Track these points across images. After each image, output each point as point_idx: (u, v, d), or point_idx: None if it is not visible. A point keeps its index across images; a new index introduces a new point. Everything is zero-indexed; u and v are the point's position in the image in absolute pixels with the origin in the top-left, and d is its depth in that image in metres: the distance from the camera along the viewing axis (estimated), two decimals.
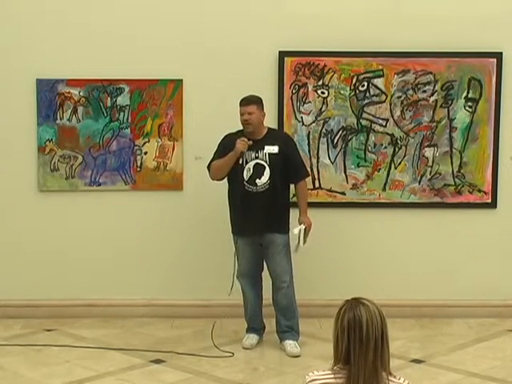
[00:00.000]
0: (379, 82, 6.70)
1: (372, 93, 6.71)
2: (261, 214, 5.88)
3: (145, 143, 6.72)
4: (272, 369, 5.78)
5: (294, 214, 6.03)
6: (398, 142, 6.76)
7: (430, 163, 6.78)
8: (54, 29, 6.61)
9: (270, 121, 6.27)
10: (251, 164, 5.92)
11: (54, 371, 5.58)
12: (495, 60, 6.68)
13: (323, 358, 5.56)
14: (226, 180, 6.05)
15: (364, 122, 6.74)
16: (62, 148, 6.70)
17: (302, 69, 6.66)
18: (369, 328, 2.83)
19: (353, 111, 6.72)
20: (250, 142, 5.88)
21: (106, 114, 6.69)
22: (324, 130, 6.73)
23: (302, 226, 5.94)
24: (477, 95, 6.73)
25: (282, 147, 5.95)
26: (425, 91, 6.72)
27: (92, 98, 6.67)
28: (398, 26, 6.64)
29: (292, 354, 5.92)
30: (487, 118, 6.75)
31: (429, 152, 6.77)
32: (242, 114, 5.91)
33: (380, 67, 6.68)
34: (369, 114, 6.73)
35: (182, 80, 6.65)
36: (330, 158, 6.75)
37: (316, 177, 6.74)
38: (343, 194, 6.78)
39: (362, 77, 6.69)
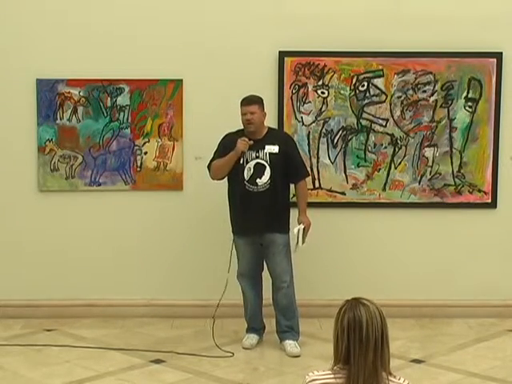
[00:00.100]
0: (379, 82, 6.70)
1: (372, 93, 6.71)
2: (261, 213, 5.88)
3: (145, 143, 6.72)
4: (272, 369, 5.78)
5: (293, 214, 6.02)
6: (398, 141, 6.76)
7: (430, 163, 6.78)
8: (54, 29, 6.62)
9: (270, 121, 6.27)
10: (252, 163, 5.92)
11: (54, 371, 5.59)
12: (495, 60, 6.68)
13: (323, 357, 5.56)
14: (225, 180, 6.05)
15: (364, 122, 6.74)
16: (62, 148, 6.70)
17: (301, 69, 6.66)
18: (369, 328, 2.83)
19: (353, 111, 6.72)
20: (251, 142, 5.89)
21: (105, 114, 6.69)
22: (324, 130, 6.73)
23: (301, 226, 5.95)
24: (477, 95, 6.73)
25: (283, 147, 5.95)
26: (425, 91, 6.72)
27: (92, 98, 6.67)
28: (398, 26, 6.65)
29: (292, 354, 5.92)
30: (487, 118, 6.75)
31: (429, 152, 6.77)
32: (244, 114, 5.91)
33: (380, 67, 6.68)
34: (369, 114, 6.73)
35: (181, 80, 6.65)
36: (330, 158, 6.75)
37: (316, 177, 6.74)
38: (343, 193, 6.78)
39: (361, 77, 6.69)
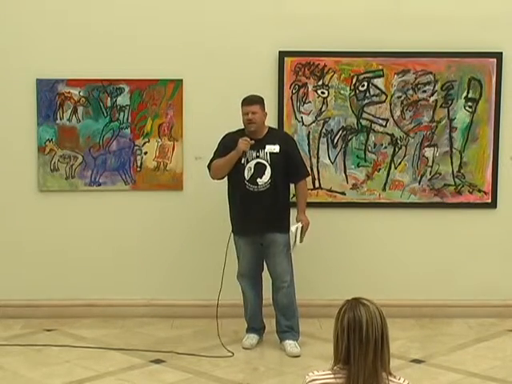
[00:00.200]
0: (379, 82, 6.70)
1: (372, 93, 6.71)
2: (262, 213, 5.88)
3: (145, 143, 6.72)
4: (272, 369, 5.78)
5: (293, 214, 6.02)
6: (398, 141, 6.76)
7: (430, 163, 6.78)
8: (54, 29, 6.61)
9: (270, 121, 6.26)
10: (252, 163, 5.92)
11: (54, 371, 5.59)
12: (495, 60, 6.68)
13: (323, 358, 5.56)
14: (226, 179, 6.05)
15: (364, 122, 6.74)
16: (62, 148, 6.70)
17: (302, 69, 6.66)
18: (369, 328, 2.83)
19: (353, 111, 6.72)
20: (252, 142, 5.89)
21: (106, 114, 6.69)
22: (324, 130, 6.73)
23: (300, 224, 5.95)
24: (477, 95, 6.73)
25: (283, 146, 5.95)
26: (425, 91, 6.72)
27: (92, 98, 6.67)
28: (398, 26, 6.64)
29: (292, 354, 5.92)
30: (487, 118, 6.75)
31: (429, 152, 6.77)
32: (245, 114, 5.91)
33: (380, 67, 6.68)
34: (369, 114, 6.73)
35: (181, 80, 6.65)
36: (330, 158, 6.75)
37: (316, 177, 6.74)
38: (343, 194, 6.78)
39: (361, 77, 6.69)
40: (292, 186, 6.08)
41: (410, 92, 6.72)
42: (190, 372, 5.59)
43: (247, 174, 5.90)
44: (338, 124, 6.73)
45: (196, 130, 6.66)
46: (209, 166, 6.06)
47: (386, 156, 6.77)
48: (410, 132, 6.75)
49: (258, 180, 5.90)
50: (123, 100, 6.67)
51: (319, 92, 6.70)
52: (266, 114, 6.01)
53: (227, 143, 5.97)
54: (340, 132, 6.73)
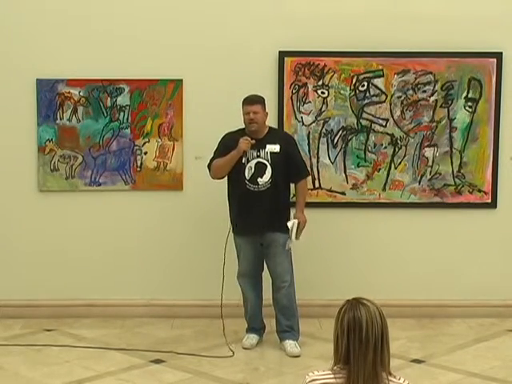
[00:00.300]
0: (379, 82, 6.70)
1: (372, 93, 6.71)
2: (263, 212, 5.88)
3: (145, 143, 6.72)
4: (272, 369, 5.78)
5: (293, 213, 6.02)
6: (398, 141, 6.76)
7: (430, 163, 6.78)
8: (54, 29, 6.61)
9: (270, 121, 6.25)
10: (253, 163, 5.93)
11: (54, 371, 5.59)
12: (495, 60, 6.68)
13: (323, 358, 5.56)
14: (225, 179, 6.04)
15: (364, 122, 6.74)
16: (62, 148, 6.70)
17: (302, 69, 6.66)
18: (368, 328, 2.83)
19: (353, 111, 6.72)
20: (253, 141, 5.89)
21: (106, 114, 6.69)
22: (324, 130, 6.73)
23: (296, 221, 5.92)
24: (477, 95, 6.73)
25: (284, 146, 5.95)
26: (425, 91, 6.72)
27: (92, 98, 6.67)
28: (398, 26, 6.64)
29: (292, 354, 5.92)
30: (487, 118, 6.75)
31: (429, 152, 6.77)
32: (247, 113, 5.90)
33: (380, 67, 6.68)
34: (369, 114, 6.73)
35: (181, 80, 6.65)
36: (330, 158, 6.75)
37: (316, 177, 6.74)
38: (343, 194, 6.77)
39: (362, 77, 6.69)
40: (292, 185, 6.08)
41: (410, 92, 6.72)
42: (190, 372, 5.59)
43: (248, 174, 5.90)
44: (338, 124, 6.73)
45: (196, 130, 6.66)
46: (209, 166, 6.06)
47: (386, 156, 6.77)
48: (409, 132, 6.75)
49: (259, 179, 5.90)
50: (123, 100, 6.67)
51: (319, 92, 6.70)
52: (267, 113, 6.02)
53: (228, 143, 5.97)
54: (340, 132, 6.73)
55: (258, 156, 5.92)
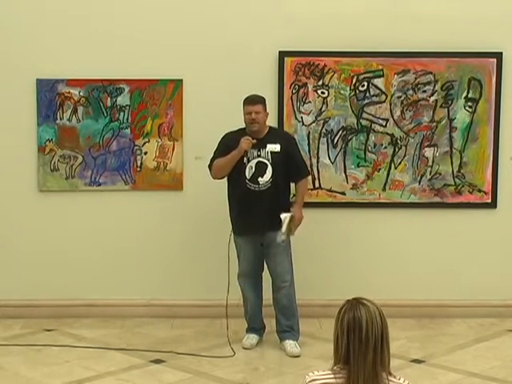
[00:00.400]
0: (379, 82, 6.70)
1: (372, 93, 6.71)
2: (263, 212, 5.88)
3: (145, 143, 6.72)
4: (272, 369, 5.78)
5: None
6: (398, 141, 6.76)
7: (430, 163, 6.78)
8: (54, 28, 6.61)
9: (270, 121, 6.25)
10: (253, 162, 5.93)
11: (54, 371, 5.59)
12: (495, 60, 6.68)
13: (323, 358, 5.56)
14: (226, 179, 6.04)
15: (364, 122, 6.74)
16: (62, 148, 6.70)
17: (302, 69, 6.66)
18: (368, 328, 2.83)
19: (353, 111, 6.72)
20: (255, 141, 5.89)
21: (106, 114, 6.69)
22: (324, 130, 6.73)
23: (290, 214, 5.86)
24: (477, 95, 6.73)
25: (284, 146, 5.95)
26: (425, 91, 6.72)
27: (92, 98, 6.67)
28: (398, 26, 6.64)
29: (292, 354, 5.92)
30: (487, 118, 6.75)
31: (429, 152, 6.77)
32: (248, 113, 5.90)
33: (380, 67, 6.68)
34: (369, 114, 6.73)
35: (181, 80, 6.65)
36: (330, 158, 6.75)
37: (316, 177, 6.74)
38: (343, 194, 6.77)
39: (362, 77, 6.69)
40: (292, 185, 6.08)
41: (410, 92, 6.72)
42: (190, 372, 5.59)
43: (248, 173, 5.90)
44: (338, 124, 6.73)
45: (196, 130, 6.66)
46: (209, 166, 6.06)
47: (386, 156, 6.77)
48: (410, 132, 6.75)
49: (260, 179, 5.90)
50: (123, 100, 6.67)
51: (319, 92, 6.70)
52: (268, 113, 6.02)
53: (228, 142, 5.97)
54: (340, 132, 6.73)
55: (259, 155, 5.92)
